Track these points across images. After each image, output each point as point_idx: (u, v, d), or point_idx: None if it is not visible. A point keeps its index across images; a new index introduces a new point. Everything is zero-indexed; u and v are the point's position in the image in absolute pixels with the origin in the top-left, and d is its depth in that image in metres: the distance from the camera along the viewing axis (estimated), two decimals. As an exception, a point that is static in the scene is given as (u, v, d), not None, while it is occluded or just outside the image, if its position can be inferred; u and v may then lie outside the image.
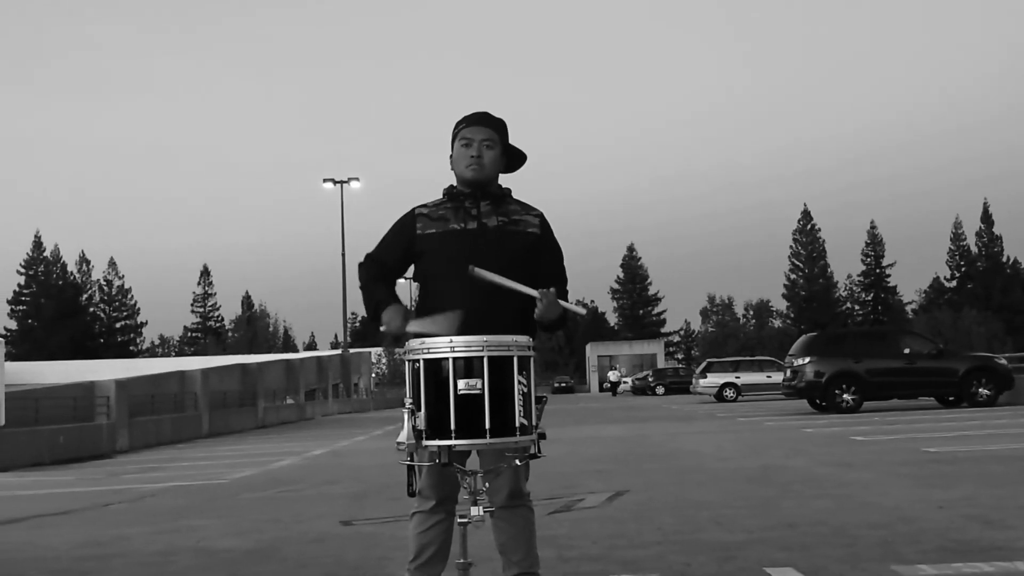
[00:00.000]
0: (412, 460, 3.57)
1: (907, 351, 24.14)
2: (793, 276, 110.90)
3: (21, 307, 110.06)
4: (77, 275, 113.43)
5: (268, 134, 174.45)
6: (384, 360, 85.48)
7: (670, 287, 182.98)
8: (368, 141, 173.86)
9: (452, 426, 3.39)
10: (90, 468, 17.36)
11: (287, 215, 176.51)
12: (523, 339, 3.53)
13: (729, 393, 39.16)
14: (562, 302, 3.80)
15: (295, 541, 7.08)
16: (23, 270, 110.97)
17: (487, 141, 3.97)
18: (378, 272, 4.05)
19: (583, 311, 3.94)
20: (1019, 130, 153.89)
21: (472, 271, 3.71)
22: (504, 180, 4.08)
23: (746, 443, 15.07)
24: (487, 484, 3.64)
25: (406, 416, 3.45)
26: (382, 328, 3.88)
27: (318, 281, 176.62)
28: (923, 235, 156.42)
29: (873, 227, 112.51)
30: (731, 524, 6.84)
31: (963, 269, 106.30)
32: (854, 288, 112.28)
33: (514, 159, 4.09)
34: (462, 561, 3.62)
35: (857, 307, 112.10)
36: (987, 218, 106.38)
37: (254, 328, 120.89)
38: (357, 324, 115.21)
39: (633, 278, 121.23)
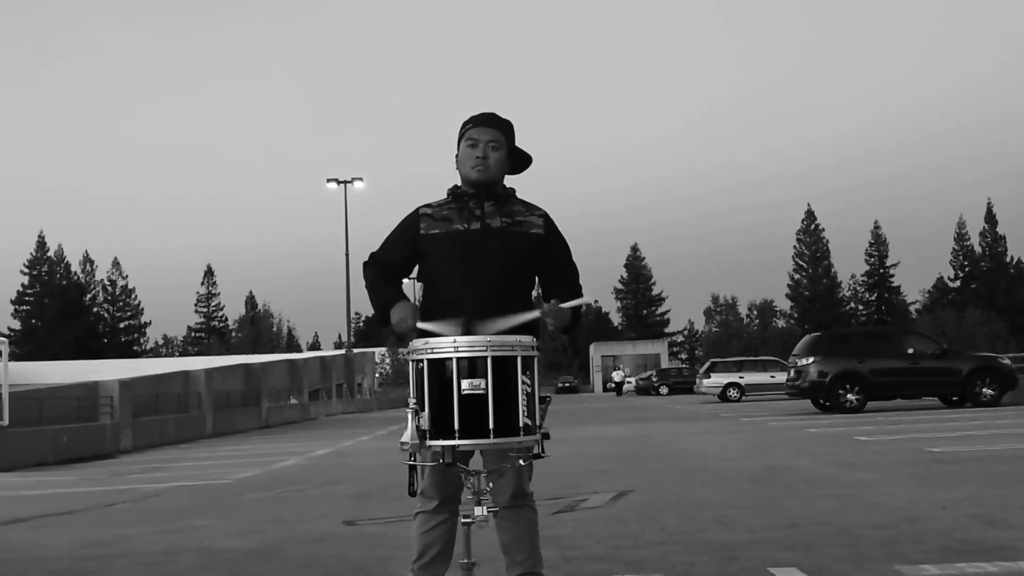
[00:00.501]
0: (415, 460, 3.56)
1: (911, 351, 24.13)
2: (797, 276, 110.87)
3: (25, 307, 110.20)
4: (81, 275, 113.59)
5: (272, 134, 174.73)
6: (388, 360, 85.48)
7: (674, 287, 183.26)
8: (371, 141, 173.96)
9: (456, 426, 3.39)
10: (93, 468, 17.38)
11: (291, 215, 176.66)
12: (527, 339, 3.53)
13: (733, 393, 39.16)
14: (564, 305, 3.79)
15: (298, 541, 7.08)
16: (27, 270, 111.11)
17: (493, 142, 3.95)
18: (383, 272, 4.04)
19: (585, 298, 3.94)
20: (1023, 130, 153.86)
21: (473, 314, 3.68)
22: (508, 180, 4.07)
23: (750, 443, 15.06)
24: (490, 484, 3.63)
25: (410, 416, 3.45)
26: (393, 323, 3.86)
27: (322, 281, 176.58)
28: (927, 235, 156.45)
29: (877, 227, 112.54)
30: (735, 524, 6.84)
31: (967, 269, 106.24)
32: (858, 288, 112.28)
33: (520, 161, 4.07)
34: (465, 561, 3.61)
35: (861, 307, 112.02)
36: (991, 218, 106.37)
37: (258, 328, 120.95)
38: (361, 324, 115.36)
39: (637, 278, 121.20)
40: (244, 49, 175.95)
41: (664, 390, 58.93)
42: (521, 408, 3.43)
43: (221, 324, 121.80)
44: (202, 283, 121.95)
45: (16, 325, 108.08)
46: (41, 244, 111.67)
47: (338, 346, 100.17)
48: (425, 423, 3.43)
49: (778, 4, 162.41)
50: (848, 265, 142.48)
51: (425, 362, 3.47)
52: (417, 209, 4.04)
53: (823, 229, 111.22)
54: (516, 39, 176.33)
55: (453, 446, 3.40)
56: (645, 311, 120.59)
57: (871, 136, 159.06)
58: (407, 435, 3.45)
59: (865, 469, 10.37)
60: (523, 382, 3.45)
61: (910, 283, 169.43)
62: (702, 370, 43.86)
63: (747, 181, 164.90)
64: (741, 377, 39.96)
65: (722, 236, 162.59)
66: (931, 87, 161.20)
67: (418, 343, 3.53)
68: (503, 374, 3.42)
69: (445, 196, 4.04)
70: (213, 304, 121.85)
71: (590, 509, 8.08)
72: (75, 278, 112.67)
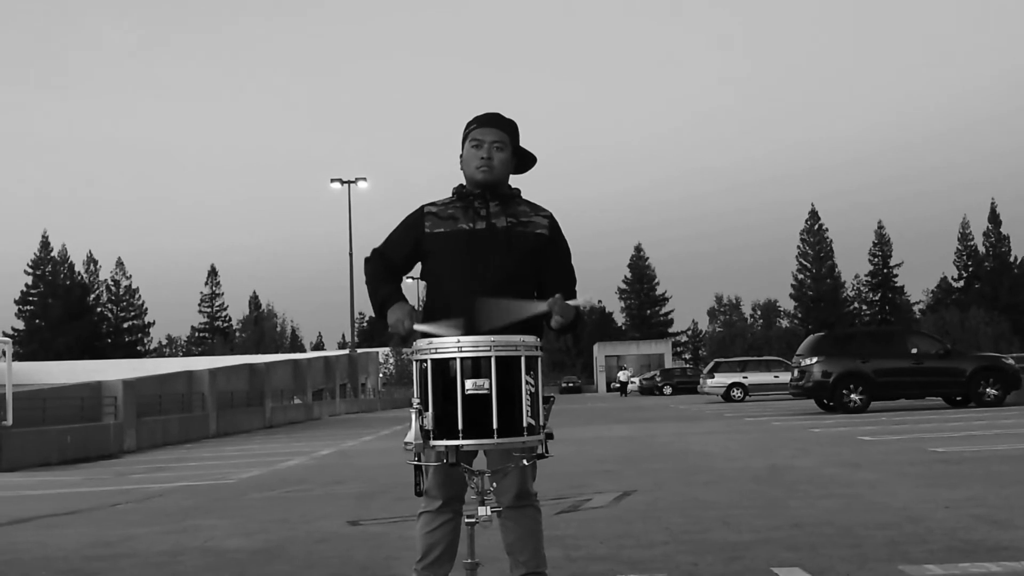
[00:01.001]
0: (419, 460, 3.57)
1: (914, 351, 24.12)
2: (801, 276, 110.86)
3: (29, 307, 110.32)
4: (84, 275, 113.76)
5: (276, 134, 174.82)
6: (391, 360, 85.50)
7: (677, 287, 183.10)
8: (375, 141, 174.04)
9: (460, 426, 3.39)
10: (98, 468, 17.40)
11: (295, 215, 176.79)
12: (530, 339, 3.53)
13: (736, 393, 39.14)
14: (571, 302, 3.80)
15: (302, 541, 7.09)
16: (30, 270, 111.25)
17: (498, 143, 3.94)
18: (383, 269, 4.03)
19: (591, 299, 3.94)
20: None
21: (479, 309, 3.68)
22: (512, 180, 4.07)
23: (753, 443, 15.05)
24: (494, 484, 3.64)
25: (413, 416, 3.46)
26: (390, 324, 3.87)
27: (325, 281, 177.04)
28: (930, 235, 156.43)
29: (880, 227, 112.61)
30: (738, 524, 6.84)
31: (970, 269, 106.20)
32: (861, 288, 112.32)
33: (524, 161, 4.07)
34: (469, 561, 3.62)
35: (864, 307, 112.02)
36: (994, 218, 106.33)
37: (261, 328, 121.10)
38: (364, 324, 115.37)
39: (640, 278, 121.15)
40: (249, 49, 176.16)
41: (668, 390, 58.98)
42: (525, 408, 3.44)
43: (225, 324, 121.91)
44: (206, 283, 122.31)
45: (20, 325, 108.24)
46: (45, 244, 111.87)
47: (342, 346, 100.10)
48: (429, 423, 3.44)
49: (784, 3, 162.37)
50: (852, 265, 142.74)
51: (429, 362, 3.47)
52: (422, 207, 4.03)
53: (827, 229, 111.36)
54: (520, 39, 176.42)
55: (457, 446, 3.40)
56: (649, 311, 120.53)
57: (875, 136, 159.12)
58: (411, 435, 3.46)
59: (869, 469, 10.37)
60: (527, 382, 3.45)
61: (914, 283, 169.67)
62: (706, 370, 43.82)
63: (751, 181, 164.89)
64: (745, 377, 39.93)
65: (726, 236, 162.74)
66: (936, 87, 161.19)
67: (422, 343, 3.53)
68: (507, 374, 3.42)
69: (450, 195, 4.04)
70: (217, 304, 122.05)
71: (594, 509, 8.08)
72: (79, 278, 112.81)
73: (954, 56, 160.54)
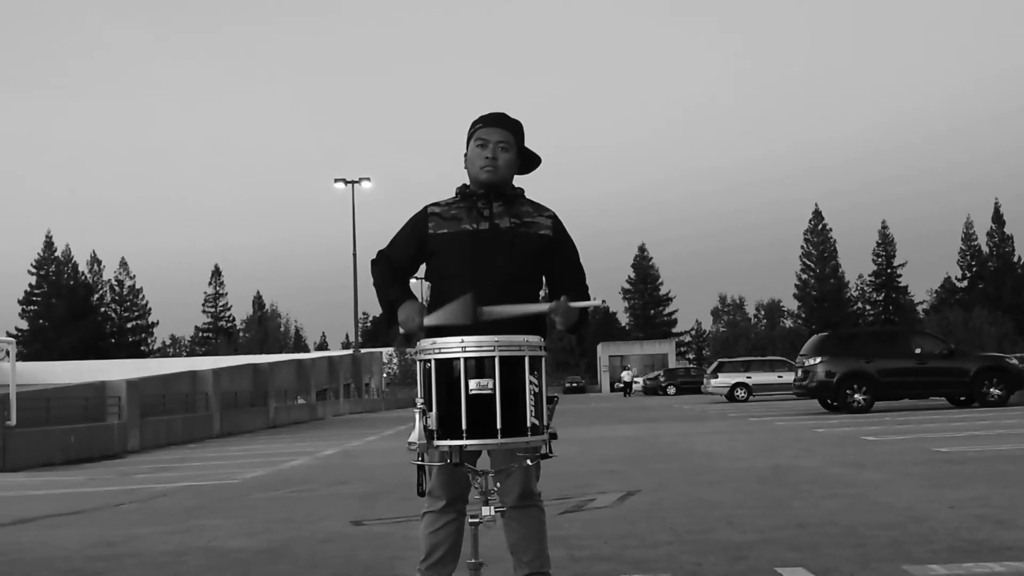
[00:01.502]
0: (422, 460, 3.57)
1: (918, 351, 24.11)
2: (804, 276, 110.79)
3: (32, 307, 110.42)
4: (88, 275, 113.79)
5: (279, 134, 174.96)
6: (395, 360, 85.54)
7: (681, 287, 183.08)
8: (379, 141, 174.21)
9: (463, 426, 3.39)
10: (101, 468, 17.41)
11: (298, 215, 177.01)
12: (534, 339, 3.53)
13: (740, 393, 39.12)
14: (575, 304, 3.79)
15: (306, 541, 7.09)
16: (34, 270, 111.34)
17: (503, 143, 3.94)
18: (390, 271, 4.03)
19: (599, 302, 3.91)
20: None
21: (480, 313, 3.67)
22: (517, 180, 4.06)
23: (757, 443, 15.05)
24: (498, 484, 3.63)
25: (417, 416, 3.46)
26: (400, 322, 3.86)
27: (329, 281, 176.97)
28: (934, 235, 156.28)
29: (884, 227, 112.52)
30: (742, 524, 6.84)
31: (974, 269, 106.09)
32: (865, 288, 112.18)
33: (529, 161, 4.06)
34: (473, 561, 3.62)
35: (868, 307, 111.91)
36: (998, 218, 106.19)
37: (265, 328, 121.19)
38: (368, 324, 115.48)
39: (644, 278, 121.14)
40: (252, 49, 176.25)
41: (671, 390, 58.95)
42: (529, 408, 3.44)
43: (228, 324, 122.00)
44: (210, 283, 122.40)
45: (24, 325, 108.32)
46: (48, 244, 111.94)
47: (345, 346, 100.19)
48: (433, 423, 3.44)
49: (787, 1, 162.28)
50: (855, 265, 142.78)
51: (432, 362, 3.47)
52: (426, 208, 4.03)
53: (830, 229, 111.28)
54: (521, 40, 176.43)
55: (460, 446, 3.40)
56: (652, 311, 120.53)
57: (878, 136, 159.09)
58: (415, 435, 3.46)
59: (872, 469, 10.36)
60: (531, 382, 3.45)
61: (917, 283, 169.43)
62: (709, 370, 43.80)
63: (754, 181, 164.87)
64: (748, 377, 39.91)
65: (730, 236, 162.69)
66: (939, 86, 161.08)
67: (425, 343, 3.53)
68: (511, 374, 3.42)
69: (453, 195, 4.04)
70: (220, 304, 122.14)
71: (598, 509, 8.08)
72: (82, 278, 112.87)
73: (955, 56, 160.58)
